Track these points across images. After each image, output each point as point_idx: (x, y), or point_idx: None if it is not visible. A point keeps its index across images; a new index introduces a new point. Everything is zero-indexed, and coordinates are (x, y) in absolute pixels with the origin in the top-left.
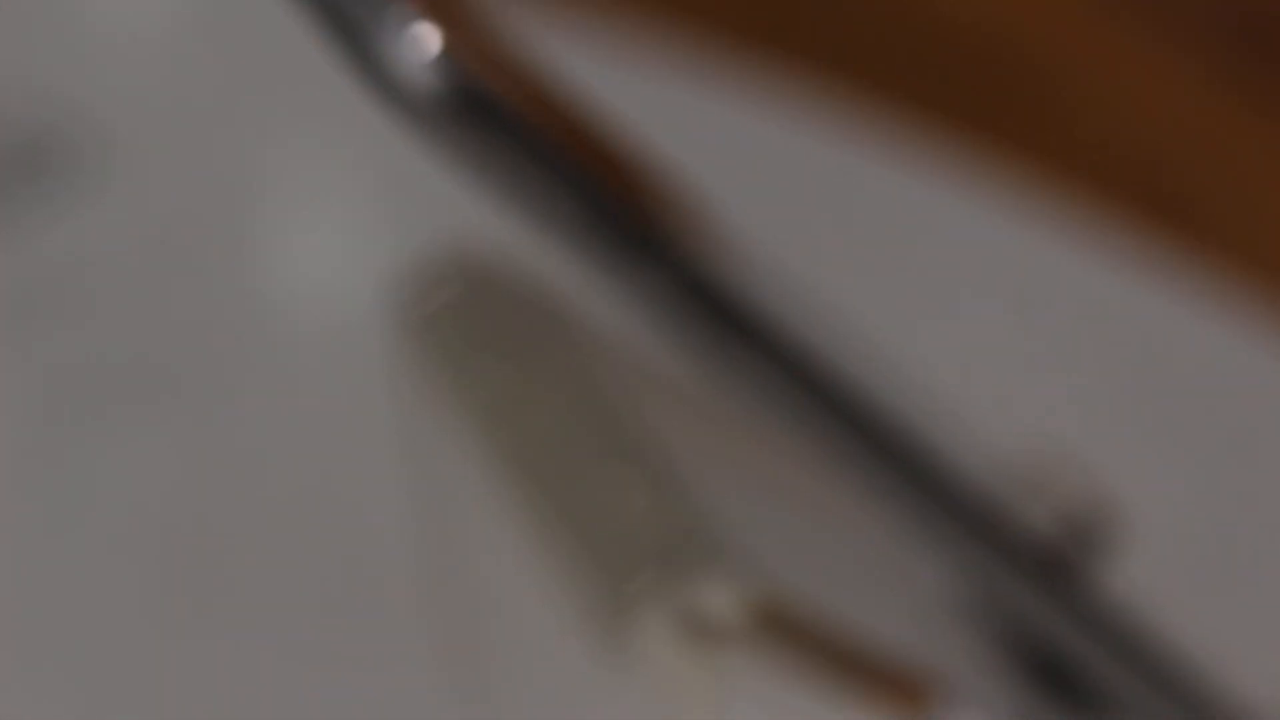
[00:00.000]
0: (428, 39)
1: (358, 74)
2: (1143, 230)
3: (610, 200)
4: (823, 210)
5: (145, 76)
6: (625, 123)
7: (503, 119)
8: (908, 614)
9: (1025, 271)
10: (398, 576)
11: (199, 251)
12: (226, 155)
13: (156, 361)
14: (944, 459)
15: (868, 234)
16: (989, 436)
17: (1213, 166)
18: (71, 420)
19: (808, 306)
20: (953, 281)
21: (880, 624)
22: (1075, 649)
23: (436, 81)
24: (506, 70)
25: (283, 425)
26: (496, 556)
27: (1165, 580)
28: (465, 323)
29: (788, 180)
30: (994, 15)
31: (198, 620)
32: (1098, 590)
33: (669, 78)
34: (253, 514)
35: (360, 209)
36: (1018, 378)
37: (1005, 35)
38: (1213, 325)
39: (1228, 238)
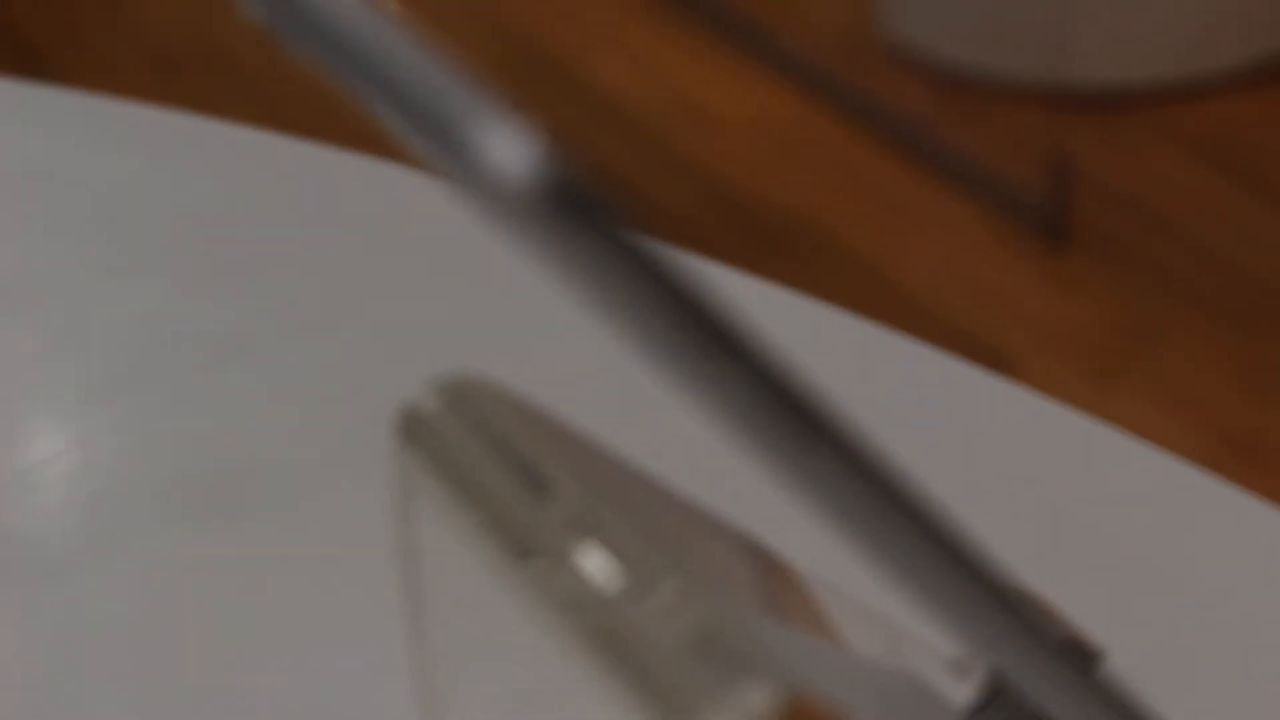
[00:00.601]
0: (526, 135)
1: (454, 174)
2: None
3: (698, 301)
4: None
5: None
6: None
7: (603, 217)
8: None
9: None
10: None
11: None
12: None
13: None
14: (973, 545)
15: None
16: None
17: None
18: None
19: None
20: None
21: None
22: None
23: (537, 179)
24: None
25: (289, 537)
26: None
27: None
28: (465, 438)
29: None
30: (810, 204)
31: None
32: (1116, 680)
33: None
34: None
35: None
36: None
37: (827, 224)
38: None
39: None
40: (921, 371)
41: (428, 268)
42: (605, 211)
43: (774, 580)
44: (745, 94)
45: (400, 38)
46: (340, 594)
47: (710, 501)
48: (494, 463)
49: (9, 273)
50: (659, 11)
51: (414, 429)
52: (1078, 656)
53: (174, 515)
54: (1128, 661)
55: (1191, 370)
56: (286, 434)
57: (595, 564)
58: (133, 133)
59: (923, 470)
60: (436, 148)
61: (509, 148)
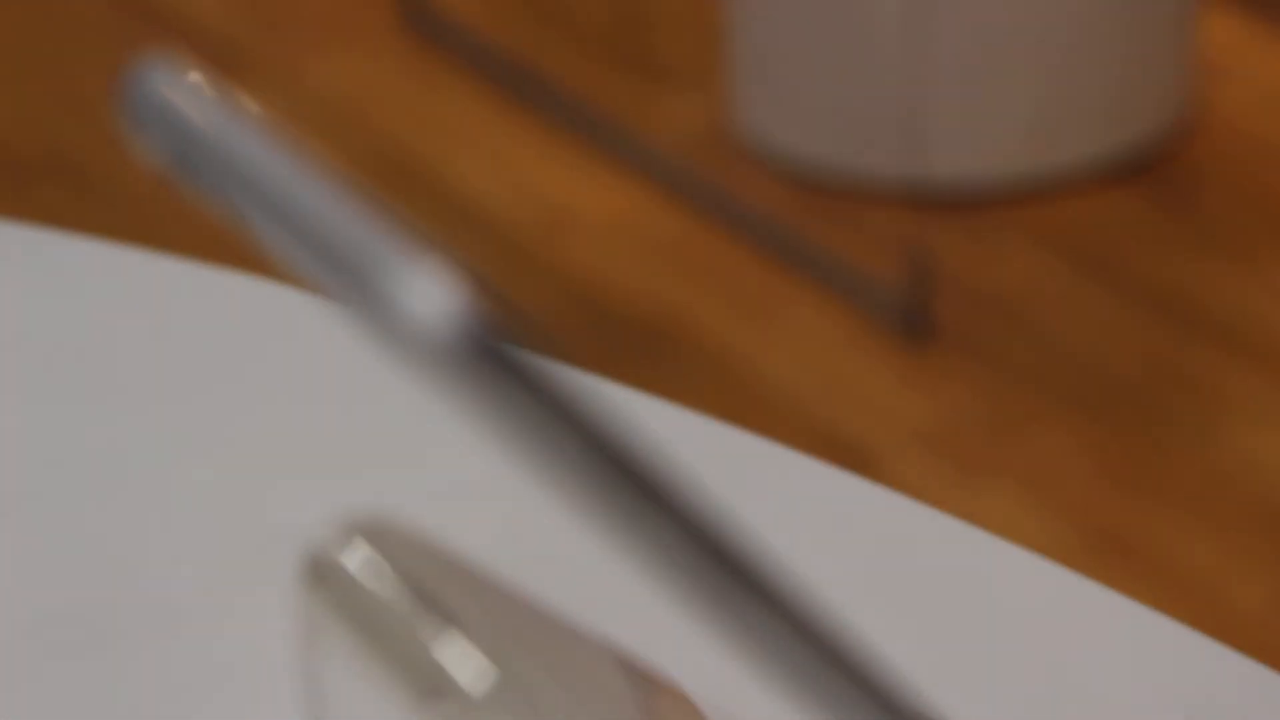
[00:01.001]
0: (441, 280)
1: (371, 324)
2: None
3: (619, 449)
4: None
5: None
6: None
7: (520, 366)
8: None
9: None
10: None
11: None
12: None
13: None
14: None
15: None
16: None
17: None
18: None
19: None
20: None
21: None
22: None
23: (453, 325)
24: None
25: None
26: None
27: None
28: (371, 575)
29: None
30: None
31: None
32: None
33: None
34: None
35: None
36: None
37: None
38: None
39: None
40: (785, 474)
41: (304, 386)
42: (520, 356)
43: (662, 702)
44: (606, 194)
45: (314, 179)
46: None
47: (601, 620)
48: (401, 604)
49: None
50: (520, 112)
51: (320, 572)
52: None
53: (45, 651)
54: None
55: (1054, 466)
56: (162, 564)
57: (501, 702)
58: None
59: (789, 574)
60: (350, 291)
61: (424, 293)
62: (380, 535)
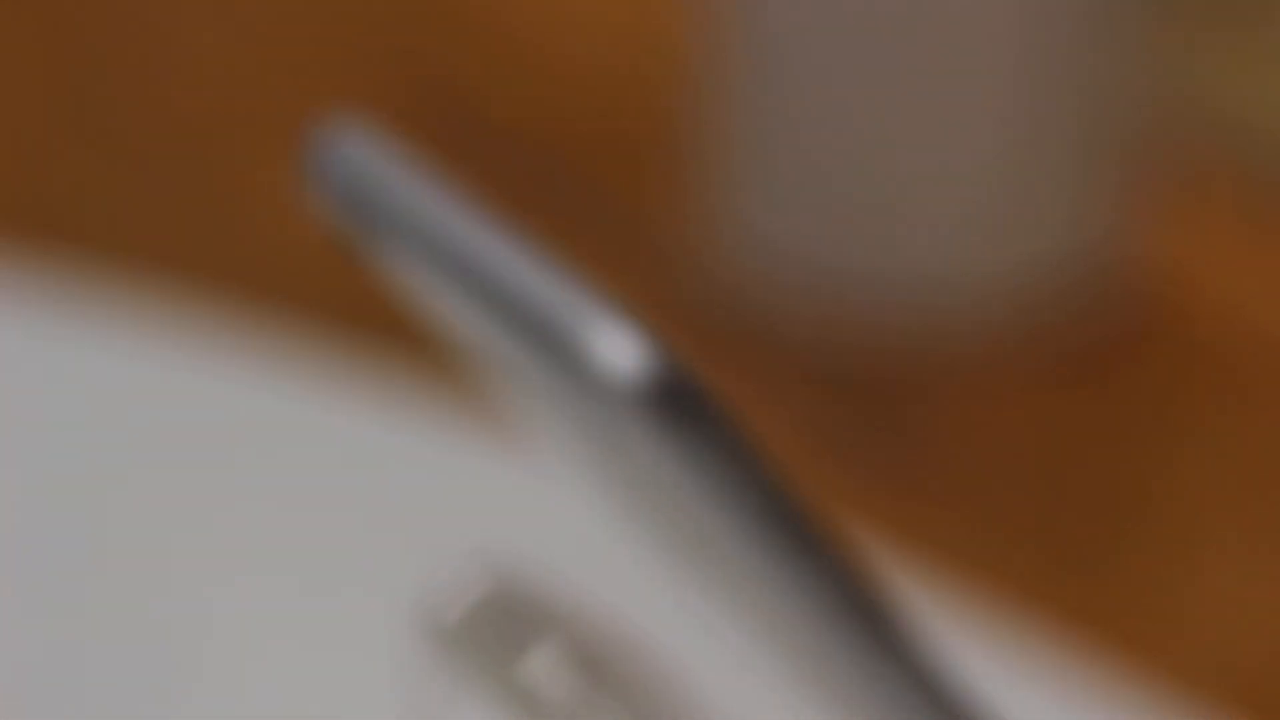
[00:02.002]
0: (631, 335)
1: (563, 375)
2: None
3: (800, 509)
4: None
5: None
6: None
7: (710, 416)
8: None
9: None
10: None
11: None
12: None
13: None
14: None
15: None
16: None
17: None
18: None
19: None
20: None
21: None
22: None
23: (646, 380)
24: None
25: None
26: None
27: None
28: (489, 629)
29: None
30: None
31: None
32: None
33: None
34: None
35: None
36: None
37: None
38: None
39: None
40: None
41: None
42: (712, 409)
43: None
44: None
45: (497, 238)
46: None
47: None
48: (514, 664)
49: None
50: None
51: (439, 624)
52: None
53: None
54: None
55: (1009, 598)
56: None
57: None
58: None
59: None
60: (539, 351)
61: (616, 349)
62: (501, 586)
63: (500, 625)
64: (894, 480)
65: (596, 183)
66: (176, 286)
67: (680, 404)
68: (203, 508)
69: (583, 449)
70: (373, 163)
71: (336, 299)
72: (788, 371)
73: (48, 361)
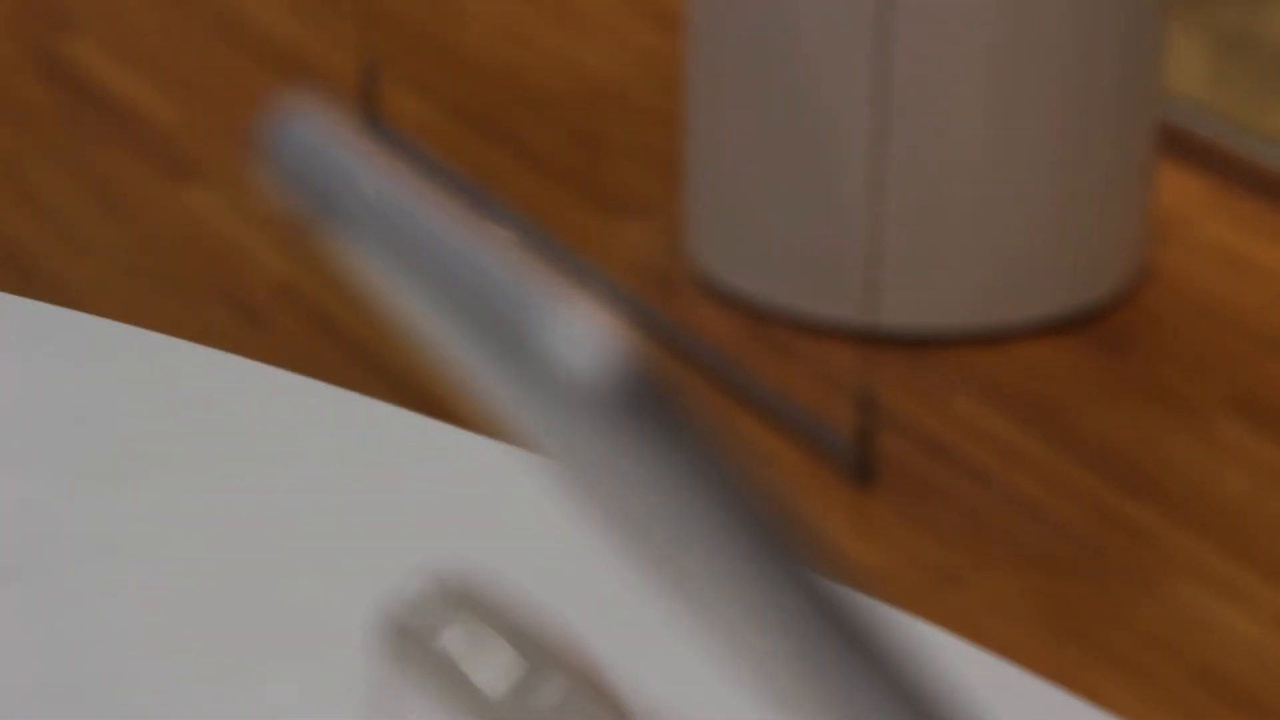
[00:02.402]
0: (590, 326)
1: (518, 372)
2: None
3: (763, 501)
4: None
5: None
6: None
7: (669, 405)
8: None
9: None
10: None
11: None
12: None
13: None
14: None
15: None
16: None
17: None
18: None
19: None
20: None
21: None
22: None
23: (605, 371)
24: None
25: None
26: None
27: None
28: (446, 632)
29: None
30: None
31: None
32: None
33: None
34: None
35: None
36: None
37: None
38: None
39: None
40: None
41: (378, 448)
42: (671, 399)
43: None
44: None
45: (457, 228)
46: None
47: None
48: (479, 660)
49: None
50: None
51: (401, 632)
52: None
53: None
54: None
55: (992, 612)
56: (239, 624)
57: None
58: None
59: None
60: (494, 344)
61: (576, 340)
62: (460, 596)
63: (457, 628)
64: (883, 480)
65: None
66: (137, 297)
67: (639, 398)
68: (177, 513)
69: (542, 442)
70: (327, 144)
71: (300, 309)
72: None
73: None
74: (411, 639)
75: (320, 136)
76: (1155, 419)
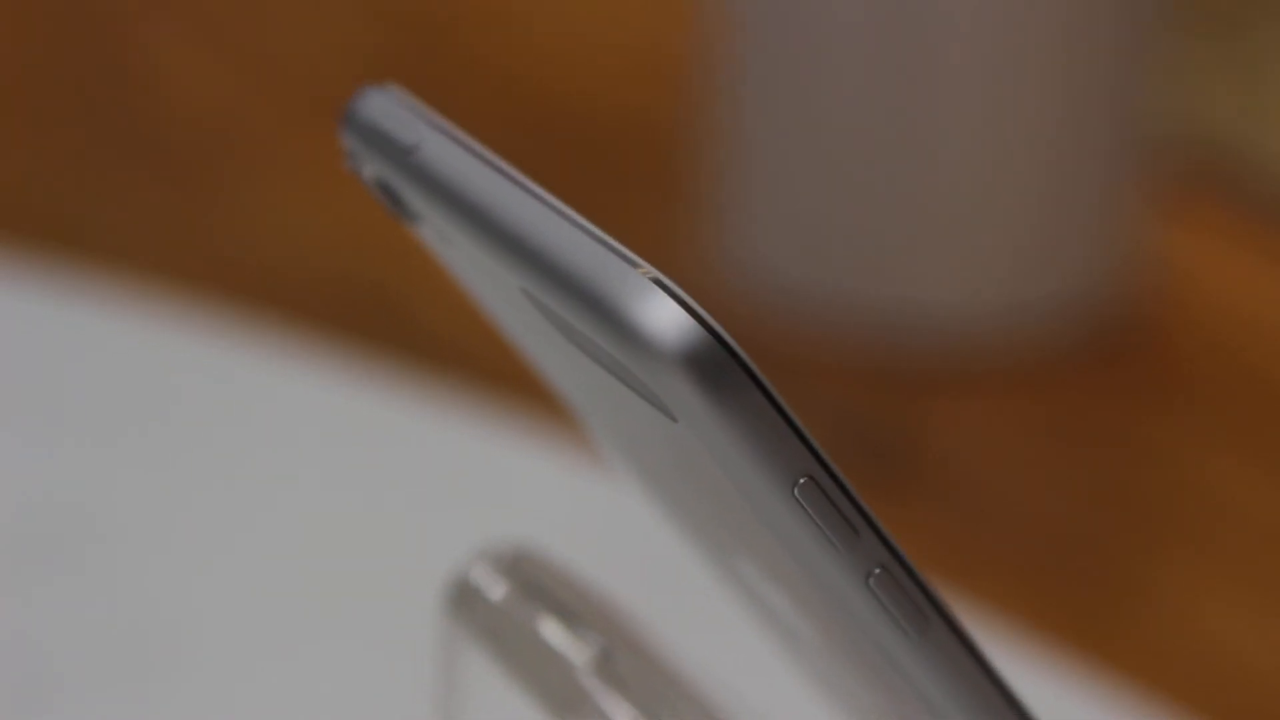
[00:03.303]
0: (675, 300)
1: (613, 338)
2: None
3: (840, 477)
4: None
5: None
6: None
7: (752, 382)
8: None
9: None
10: None
11: None
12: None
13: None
14: None
15: None
16: None
17: None
18: None
19: None
20: None
21: None
22: None
23: (689, 339)
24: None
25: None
26: None
27: None
28: (517, 610)
29: None
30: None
31: None
32: None
33: None
34: None
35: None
36: None
37: None
38: None
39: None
40: None
41: (445, 416)
42: (747, 366)
43: None
44: None
45: (535, 201)
46: None
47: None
48: (541, 631)
49: None
50: None
51: (464, 600)
52: None
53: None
54: None
55: (995, 614)
56: (304, 589)
57: None
58: None
59: None
60: (587, 313)
61: (660, 311)
62: (523, 565)
63: (527, 606)
64: (891, 483)
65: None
66: (205, 282)
67: (722, 368)
68: (243, 492)
69: (618, 416)
70: (412, 115)
71: (361, 294)
72: (802, 364)
73: (71, 352)
74: (481, 614)
75: (404, 109)
76: (1169, 429)
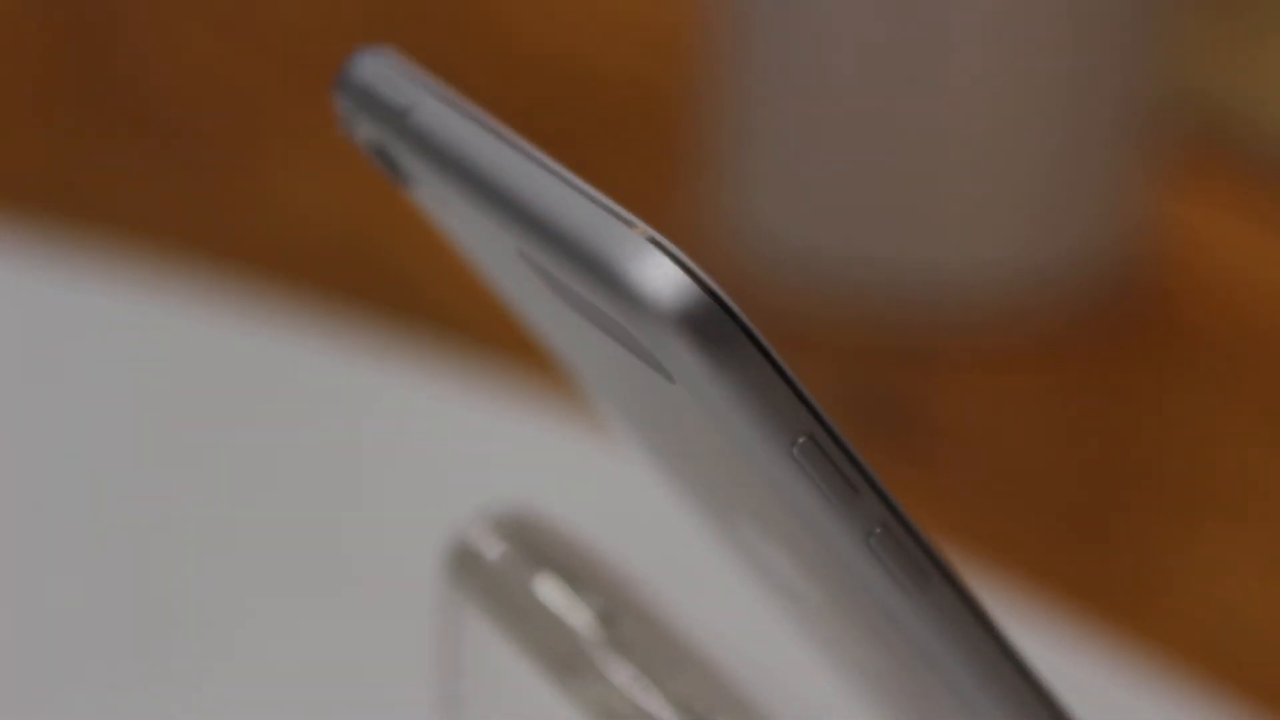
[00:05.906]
0: (672, 259)
1: (609, 298)
2: None
3: (839, 436)
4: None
5: None
6: None
7: (747, 331)
8: None
9: None
10: None
11: None
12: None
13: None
14: None
15: None
16: None
17: None
18: None
19: None
20: None
21: None
22: None
23: (686, 299)
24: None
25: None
26: None
27: None
28: (514, 571)
29: None
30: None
31: None
32: None
33: None
34: None
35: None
36: None
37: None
38: None
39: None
40: None
41: (443, 379)
42: (745, 325)
43: None
44: None
45: (530, 161)
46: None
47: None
48: (541, 593)
49: None
50: None
51: (464, 563)
52: None
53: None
54: None
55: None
56: (300, 555)
57: (639, 689)
58: None
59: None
60: (584, 274)
61: (656, 270)
62: (522, 527)
63: (524, 567)
64: (900, 452)
65: (615, 156)
66: (215, 257)
67: (719, 326)
68: (241, 458)
69: (616, 379)
70: (407, 78)
71: (360, 260)
72: (805, 338)
73: (80, 328)
74: (480, 576)
75: (399, 71)
76: (1177, 405)
